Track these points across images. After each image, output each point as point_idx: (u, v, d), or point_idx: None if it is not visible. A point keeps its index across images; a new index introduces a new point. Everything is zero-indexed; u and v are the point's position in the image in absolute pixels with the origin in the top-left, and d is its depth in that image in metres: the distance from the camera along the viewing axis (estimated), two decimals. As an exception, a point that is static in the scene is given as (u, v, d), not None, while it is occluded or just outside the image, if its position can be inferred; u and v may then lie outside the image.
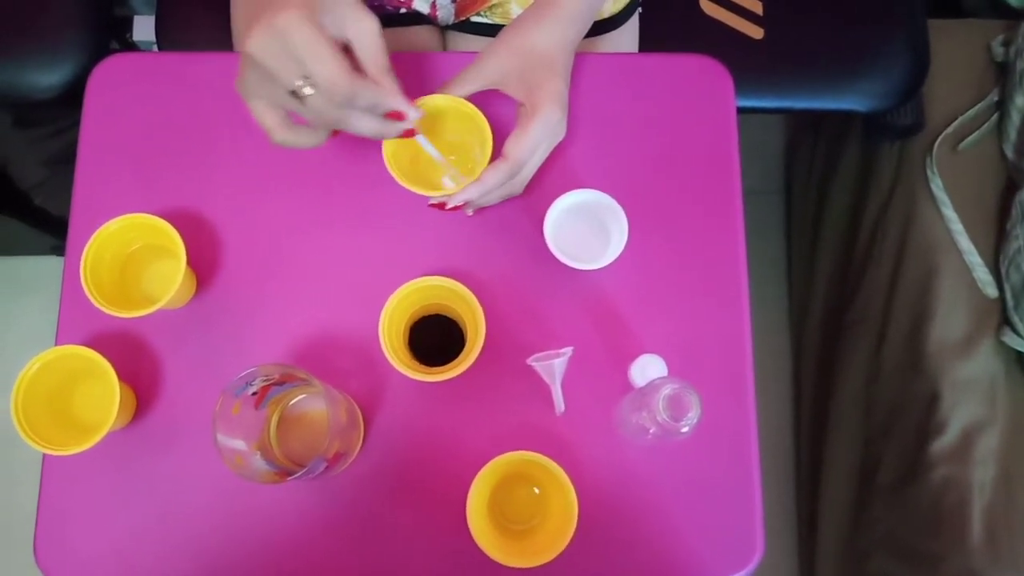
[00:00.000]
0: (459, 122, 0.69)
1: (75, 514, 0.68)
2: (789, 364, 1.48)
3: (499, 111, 0.70)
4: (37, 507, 0.68)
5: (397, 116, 0.61)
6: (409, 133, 0.64)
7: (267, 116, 0.60)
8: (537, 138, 0.66)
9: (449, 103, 0.67)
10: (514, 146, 0.65)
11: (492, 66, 0.68)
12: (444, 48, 0.92)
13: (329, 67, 0.55)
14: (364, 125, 0.60)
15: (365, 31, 0.59)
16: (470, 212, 0.71)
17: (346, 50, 0.59)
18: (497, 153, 0.66)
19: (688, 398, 0.57)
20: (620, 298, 0.72)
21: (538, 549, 0.62)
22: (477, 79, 0.68)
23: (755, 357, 0.72)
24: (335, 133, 0.64)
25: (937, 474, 0.99)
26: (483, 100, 0.68)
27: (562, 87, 0.67)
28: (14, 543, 1.02)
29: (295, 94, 0.56)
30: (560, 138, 0.69)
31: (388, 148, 0.66)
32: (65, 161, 0.76)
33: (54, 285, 0.72)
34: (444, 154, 0.68)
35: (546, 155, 0.69)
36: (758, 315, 0.73)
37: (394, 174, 0.65)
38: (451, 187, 0.70)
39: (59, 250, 0.73)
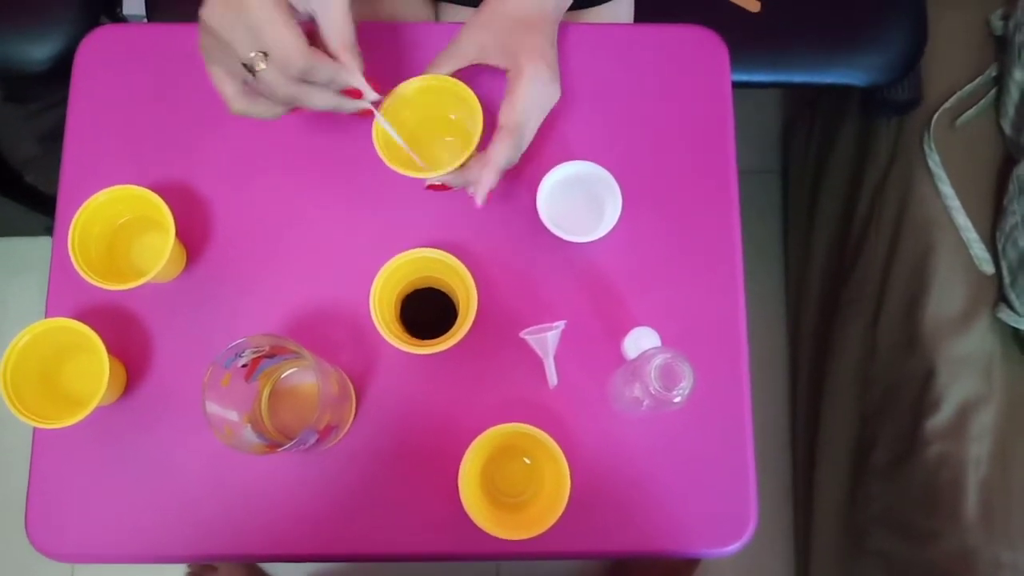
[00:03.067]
0: (446, 102, 0.67)
1: (66, 489, 0.68)
2: (785, 342, 1.47)
3: (485, 86, 0.68)
4: (28, 483, 0.68)
5: (355, 94, 0.61)
6: (367, 113, 0.63)
7: (225, 84, 0.60)
8: (528, 98, 0.63)
9: (431, 83, 0.66)
10: (508, 113, 0.63)
11: (469, 41, 0.66)
12: (436, 18, 0.91)
13: (285, 41, 0.54)
14: (319, 100, 0.59)
15: (330, 4, 0.57)
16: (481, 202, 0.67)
17: (313, 23, 0.58)
18: (490, 127, 0.65)
19: (680, 367, 0.56)
20: (614, 271, 0.72)
21: (530, 521, 0.62)
22: (455, 57, 0.67)
23: (750, 334, 0.71)
24: (295, 107, 0.63)
25: (933, 451, 0.99)
26: (474, 77, 0.67)
27: (544, 44, 0.65)
28: (6, 519, 1.02)
29: (247, 66, 0.55)
30: (554, 99, 0.66)
31: (379, 131, 0.65)
32: (57, 138, 0.75)
33: (47, 266, 0.71)
34: (444, 135, 0.67)
35: (543, 117, 0.66)
36: (754, 293, 0.73)
37: (385, 160, 0.64)
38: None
39: (51, 231, 0.72)
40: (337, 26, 0.58)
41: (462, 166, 0.64)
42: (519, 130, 0.63)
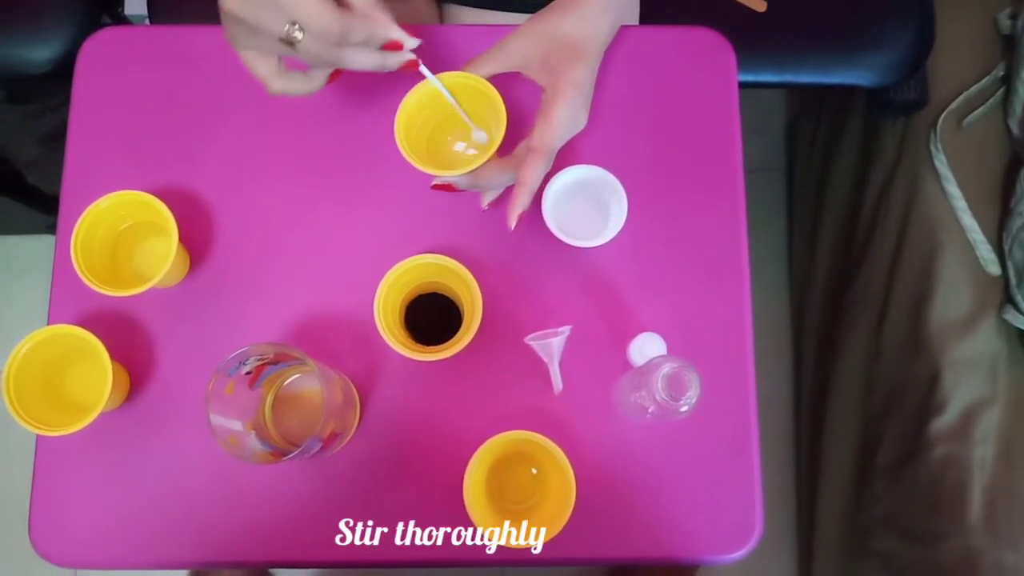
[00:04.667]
0: (475, 100, 0.67)
1: (69, 495, 0.68)
2: (790, 343, 1.47)
3: (517, 93, 0.68)
4: (31, 489, 0.68)
5: (395, 47, 0.60)
6: (412, 65, 0.62)
7: (260, 66, 0.59)
8: (562, 124, 0.64)
9: (464, 80, 0.66)
10: (543, 136, 0.64)
11: (516, 48, 0.67)
12: (440, 21, 0.90)
13: (315, 10, 0.53)
14: (362, 60, 0.59)
15: None
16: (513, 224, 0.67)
17: None
18: (513, 133, 0.65)
19: (687, 377, 0.56)
20: (619, 276, 0.71)
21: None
22: (499, 60, 0.67)
23: (755, 336, 0.71)
24: (332, 78, 0.63)
25: (937, 453, 0.98)
26: (506, 82, 0.67)
27: (584, 74, 0.65)
28: (9, 524, 1.02)
29: (285, 40, 0.55)
30: (580, 127, 0.66)
31: (400, 125, 0.64)
32: (59, 138, 0.75)
33: (49, 264, 0.71)
34: (469, 134, 0.67)
35: (566, 141, 0.66)
36: (758, 294, 0.73)
37: (405, 152, 0.64)
38: (483, 141, 0.67)
39: (54, 229, 0.72)
40: None
41: (475, 169, 0.64)
42: (551, 151, 0.64)
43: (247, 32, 0.56)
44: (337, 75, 0.63)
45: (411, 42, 0.60)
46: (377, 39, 0.59)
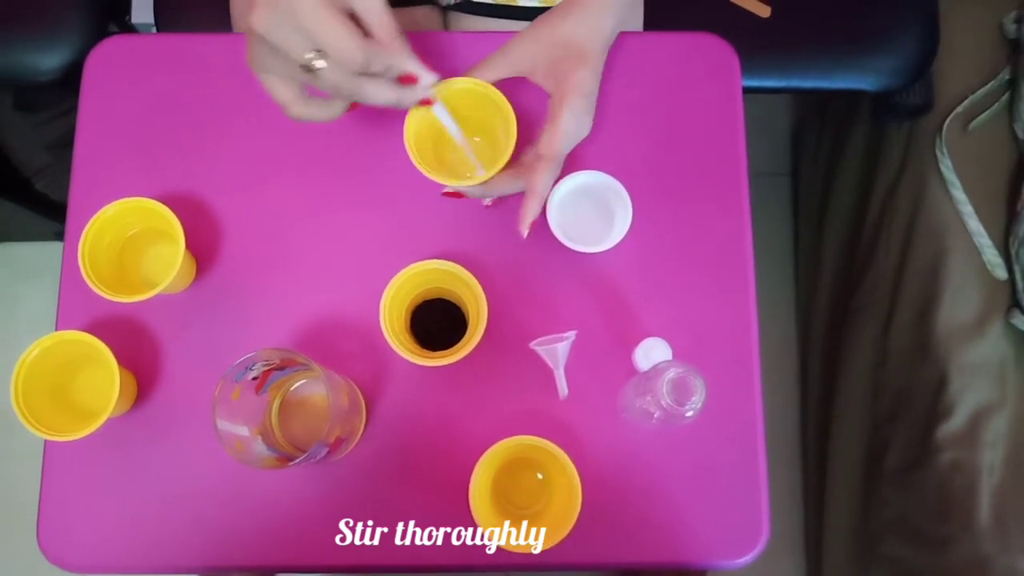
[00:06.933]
0: (483, 106, 0.67)
1: (77, 500, 0.68)
2: (796, 348, 1.47)
3: (524, 100, 0.68)
4: (39, 493, 0.68)
5: (410, 80, 0.60)
6: (426, 102, 0.62)
7: (281, 91, 0.59)
8: (569, 129, 0.64)
9: (474, 87, 0.66)
10: (551, 143, 0.64)
11: (521, 53, 0.67)
12: (445, 27, 0.90)
13: (341, 37, 0.53)
14: (380, 94, 0.58)
15: None
16: (525, 232, 0.67)
17: (351, 19, 0.57)
18: (521, 140, 0.65)
19: (692, 382, 0.56)
20: (624, 281, 0.71)
21: (541, 534, 0.62)
22: (504, 65, 0.67)
23: (761, 341, 0.71)
24: (352, 107, 0.63)
25: (945, 458, 0.98)
26: (511, 88, 0.67)
27: (589, 77, 0.66)
28: (17, 529, 1.02)
29: (307, 68, 0.55)
30: (586, 133, 0.67)
31: (410, 132, 0.64)
32: (67, 146, 0.76)
33: (57, 271, 0.71)
34: (472, 136, 0.67)
35: (572, 148, 0.67)
36: (764, 298, 0.73)
37: (415, 161, 0.64)
38: (482, 175, 0.67)
39: (62, 236, 0.72)
40: (380, 15, 0.57)
41: (487, 180, 0.64)
42: (559, 157, 0.64)
43: (269, 55, 0.56)
44: (356, 104, 0.63)
45: (428, 78, 0.60)
46: (395, 70, 0.59)
